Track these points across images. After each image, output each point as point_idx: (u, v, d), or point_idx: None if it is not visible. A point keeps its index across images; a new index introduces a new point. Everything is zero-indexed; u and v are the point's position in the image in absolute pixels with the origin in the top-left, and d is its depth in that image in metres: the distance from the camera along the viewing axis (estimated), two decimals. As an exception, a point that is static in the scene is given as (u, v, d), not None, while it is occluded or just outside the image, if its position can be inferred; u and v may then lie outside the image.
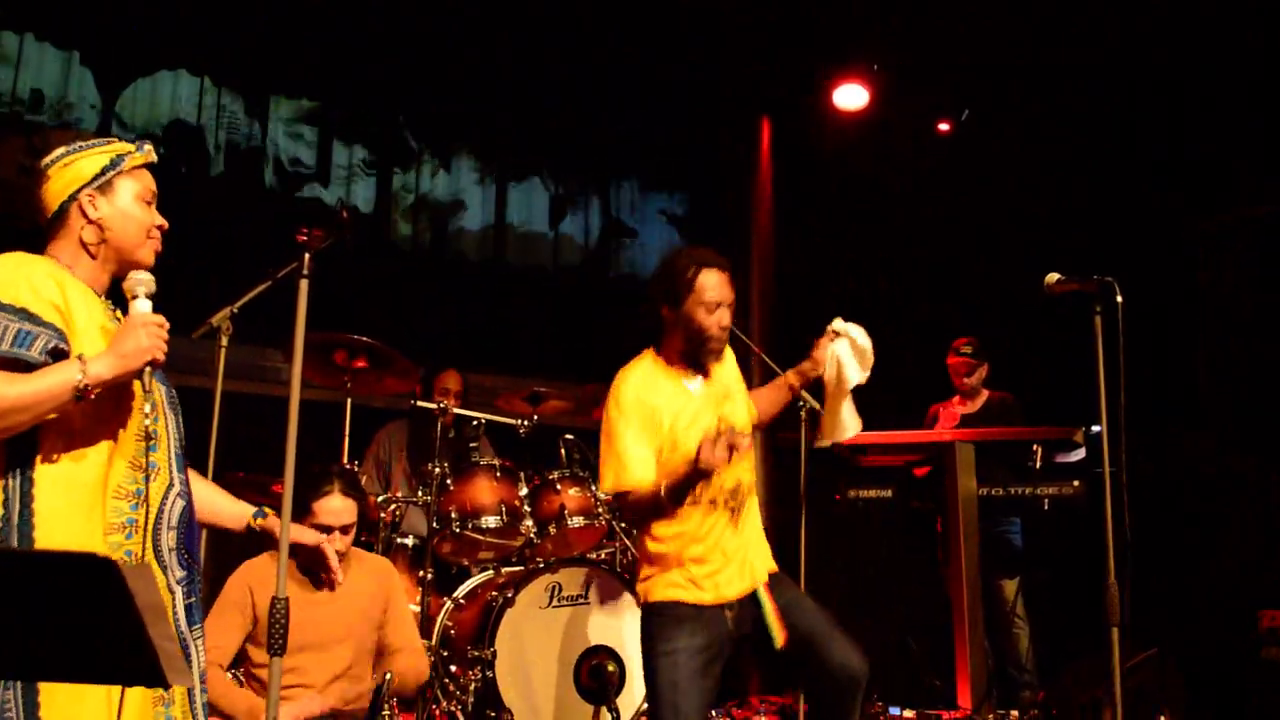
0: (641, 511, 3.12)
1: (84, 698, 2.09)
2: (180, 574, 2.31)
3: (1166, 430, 6.42)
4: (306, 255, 2.81)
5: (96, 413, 2.18)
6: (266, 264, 4.05)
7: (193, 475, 2.50)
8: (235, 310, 4.01)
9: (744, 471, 3.21)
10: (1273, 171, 6.53)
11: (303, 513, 3.52)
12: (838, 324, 3.43)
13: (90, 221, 2.29)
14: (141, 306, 2.24)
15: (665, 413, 3.12)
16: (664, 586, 3.12)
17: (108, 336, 2.23)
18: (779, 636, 3.09)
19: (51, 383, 2.07)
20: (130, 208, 2.33)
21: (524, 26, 7.36)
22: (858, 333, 3.40)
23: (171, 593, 2.28)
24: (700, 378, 3.25)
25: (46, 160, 2.29)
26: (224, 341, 3.96)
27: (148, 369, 2.17)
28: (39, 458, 2.14)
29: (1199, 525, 6.31)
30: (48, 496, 2.13)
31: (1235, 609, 5.47)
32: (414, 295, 7.13)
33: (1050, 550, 5.83)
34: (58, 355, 2.14)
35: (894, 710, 5.39)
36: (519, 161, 7.74)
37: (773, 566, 3.25)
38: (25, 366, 2.10)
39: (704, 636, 3.07)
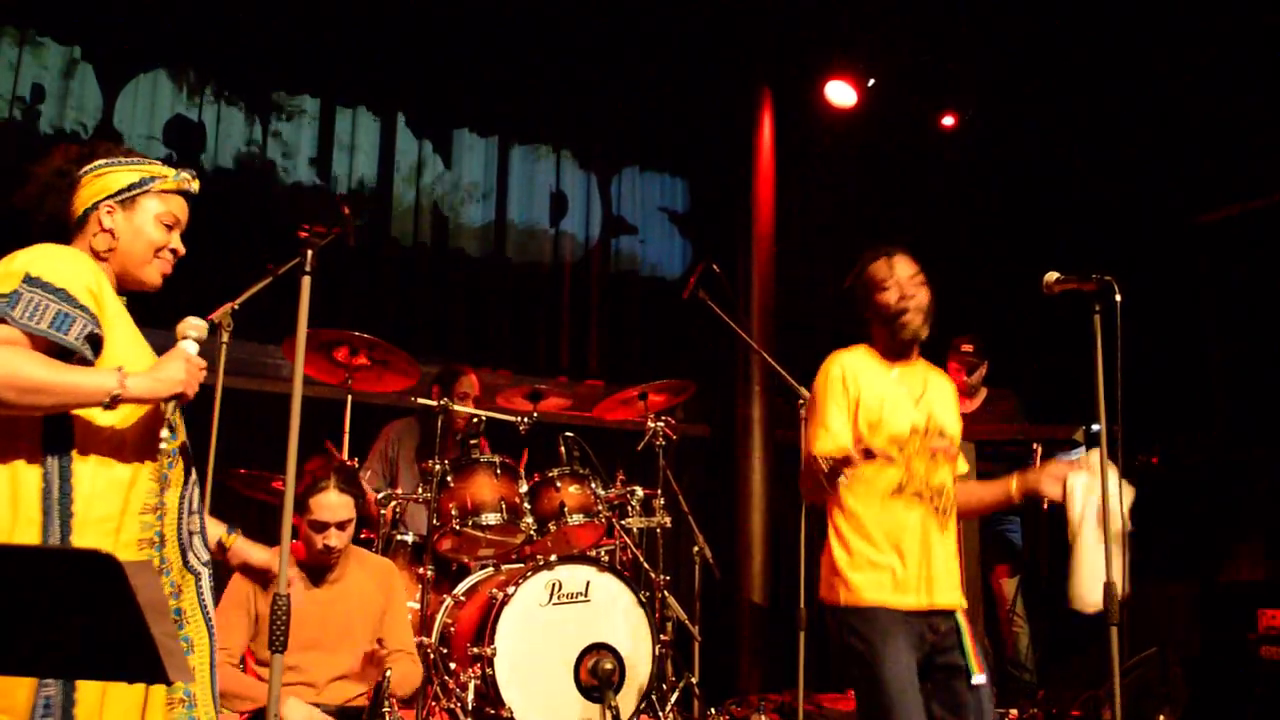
0: (807, 479, 3.02)
1: (113, 698, 2.17)
2: (206, 556, 2.44)
3: (1169, 429, 6.43)
4: (308, 252, 2.81)
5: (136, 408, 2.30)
6: (267, 260, 4.06)
7: None
8: (236, 306, 4.02)
9: (948, 477, 3.11)
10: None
11: (300, 509, 3.53)
12: (1093, 459, 3.09)
13: (104, 230, 2.39)
14: (189, 348, 2.35)
15: (868, 394, 3.06)
16: (871, 587, 2.96)
17: (130, 330, 2.37)
18: (976, 667, 2.94)
19: (87, 382, 2.19)
20: (144, 226, 2.43)
21: (525, 22, 7.35)
22: (1111, 481, 3.03)
23: (196, 575, 2.40)
24: (908, 374, 3.18)
25: (86, 168, 2.41)
26: (225, 338, 3.97)
27: (173, 402, 2.29)
28: (78, 439, 2.24)
29: (1199, 524, 6.31)
30: (86, 477, 2.23)
31: (1235, 608, 5.48)
32: (414, 292, 7.13)
33: (1050, 549, 5.84)
34: (93, 340, 2.25)
35: None
36: (521, 156, 7.74)
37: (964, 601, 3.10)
38: (59, 348, 2.21)
39: (914, 644, 2.93)
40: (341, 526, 3.61)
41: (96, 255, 2.39)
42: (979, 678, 2.93)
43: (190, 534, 2.39)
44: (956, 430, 3.18)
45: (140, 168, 2.45)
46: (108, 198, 2.40)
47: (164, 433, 2.28)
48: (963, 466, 3.26)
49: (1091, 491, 3.06)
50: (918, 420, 3.07)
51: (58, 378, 2.15)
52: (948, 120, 8.00)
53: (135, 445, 2.30)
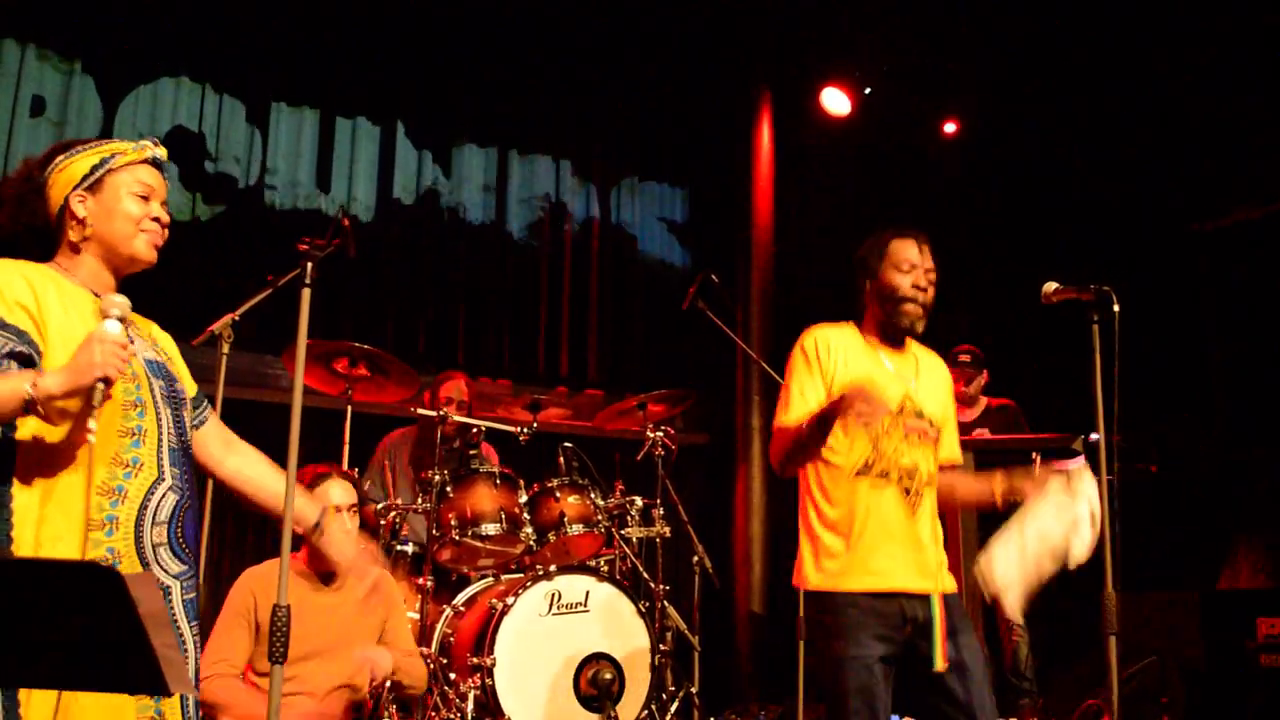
0: (784, 445, 2.95)
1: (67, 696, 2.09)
2: (178, 568, 2.33)
3: (1168, 430, 6.43)
4: (308, 264, 2.81)
5: (75, 413, 2.20)
6: (268, 271, 4.07)
7: (267, 464, 2.65)
8: (237, 317, 4.03)
9: (923, 458, 3.02)
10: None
11: None
12: (1073, 465, 3.04)
13: (77, 220, 2.36)
14: (109, 327, 2.23)
15: (843, 369, 2.98)
16: (837, 573, 2.91)
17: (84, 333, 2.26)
18: (940, 658, 2.88)
19: (7, 394, 2.11)
20: (117, 202, 2.37)
21: (525, 33, 7.38)
22: (1086, 495, 2.94)
23: (165, 589, 2.29)
24: (896, 355, 3.11)
25: (48, 168, 2.37)
26: (225, 348, 3.99)
27: (100, 385, 2.15)
28: (17, 458, 2.19)
29: (1199, 530, 6.31)
30: (25, 495, 2.17)
31: (1234, 616, 5.48)
32: (414, 303, 7.14)
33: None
34: (21, 359, 2.18)
35: (894, 717, 5.38)
36: (520, 166, 7.75)
37: (952, 585, 3.02)
38: None
39: (886, 634, 2.87)
40: (351, 511, 3.68)
41: (74, 248, 2.36)
42: (940, 665, 2.86)
43: (155, 546, 2.29)
44: (940, 413, 3.10)
45: (99, 149, 2.41)
46: (74, 188, 2.36)
47: (90, 423, 2.14)
48: (954, 456, 3.19)
49: (1060, 508, 2.97)
50: (891, 399, 2.97)
51: None
52: (950, 127, 8.01)
53: (76, 463, 2.22)
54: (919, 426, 3.02)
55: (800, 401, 2.97)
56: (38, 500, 2.18)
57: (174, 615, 2.30)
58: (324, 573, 3.68)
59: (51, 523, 2.17)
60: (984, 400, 5.93)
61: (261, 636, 3.50)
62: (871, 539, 2.91)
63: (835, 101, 7.76)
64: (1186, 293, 7.05)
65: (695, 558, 5.40)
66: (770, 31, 7.79)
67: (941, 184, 8.11)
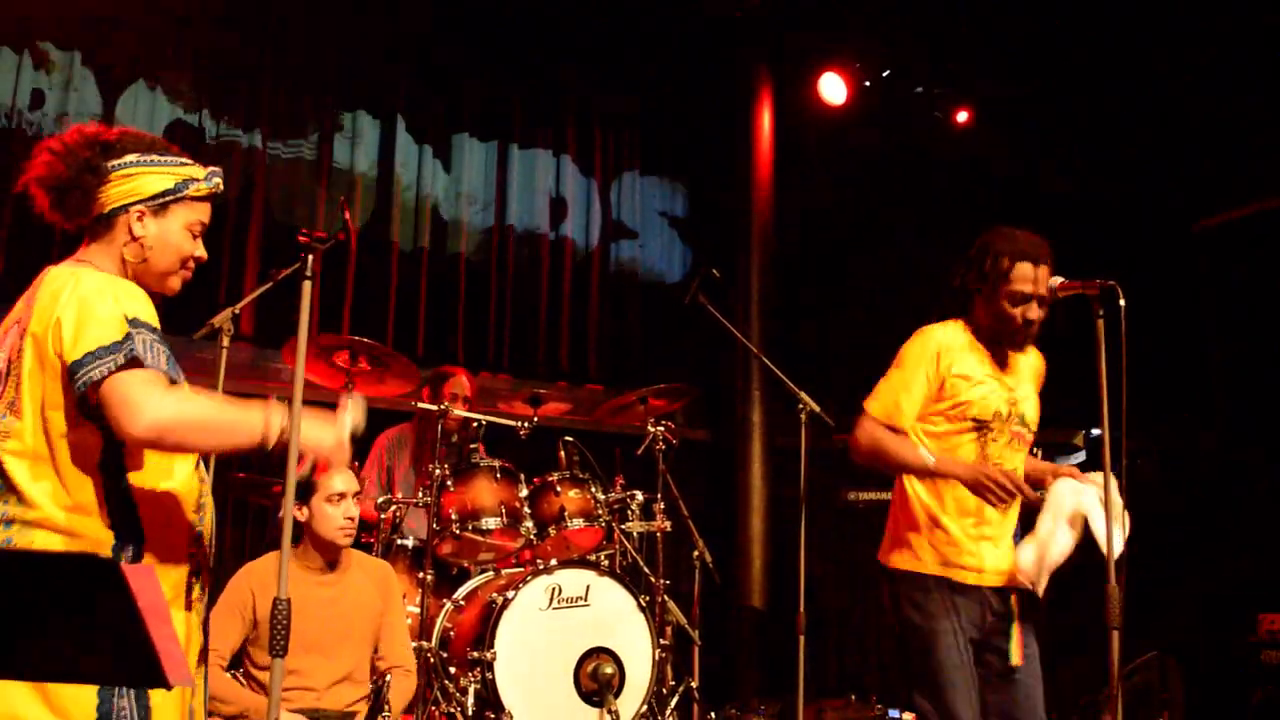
0: (884, 454, 3.04)
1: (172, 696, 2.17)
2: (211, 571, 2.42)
3: (1169, 429, 6.43)
4: (309, 257, 2.80)
5: None
6: (268, 266, 4.07)
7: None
8: (237, 311, 4.03)
9: (1020, 462, 3.19)
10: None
11: (309, 492, 3.57)
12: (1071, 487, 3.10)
13: (134, 239, 2.29)
14: (350, 422, 2.41)
15: (957, 374, 3.08)
16: (934, 557, 3.03)
17: None
18: (1017, 654, 3.00)
19: (248, 424, 2.22)
20: (175, 235, 2.33)
21: (526, 27, 7.37)
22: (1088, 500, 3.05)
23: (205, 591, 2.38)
24: (1002, 357, 3.21)
25: (115, 162, 2.27)
26: (225, 342, 3.99)
27: (307, 461, 2.37)
28: (138, 484, 2.22)
29: (1199, 527, 6.31)
30: (153, 525, 2.21)
31: (1235, 612, 5.48)
32: (415, 296, 7.13)
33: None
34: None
35: (894, 713, 5.40)
36: (520, 160, 7.74)
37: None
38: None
39: (971, 621, 2.99)
40: (355, 496, 3.69)
41: (123, 263, 2.29)
42: (1016, 662, 2.98)
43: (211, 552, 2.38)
44: (1035, 417, 3.24)
45: (175, 170, 2.33)
46: (139, 202, 2.28)
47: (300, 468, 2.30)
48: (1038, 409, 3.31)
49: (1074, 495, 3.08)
50: (1001, 406, 3.12)
51: (225, 416, 2.20)
52: (962, 116, 7.98)
53: (184, 483, 2.30)
54: (1019, 432, 3.15)
55: (905, 397, 3.06)
56: (161, 521, 2.23)
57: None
58: (324, 564, 3.68)
59: (168, 537, 2.23)
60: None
61: (261, 632, 3.50)
62: (973, 532, 3.04)
63: (831, 89, 7.76)
64: (1186, 293, 7.05)
65: (696, 553, 5.40)
66: (770, 25, 7.78)
67: (942, 182, 8.11)
